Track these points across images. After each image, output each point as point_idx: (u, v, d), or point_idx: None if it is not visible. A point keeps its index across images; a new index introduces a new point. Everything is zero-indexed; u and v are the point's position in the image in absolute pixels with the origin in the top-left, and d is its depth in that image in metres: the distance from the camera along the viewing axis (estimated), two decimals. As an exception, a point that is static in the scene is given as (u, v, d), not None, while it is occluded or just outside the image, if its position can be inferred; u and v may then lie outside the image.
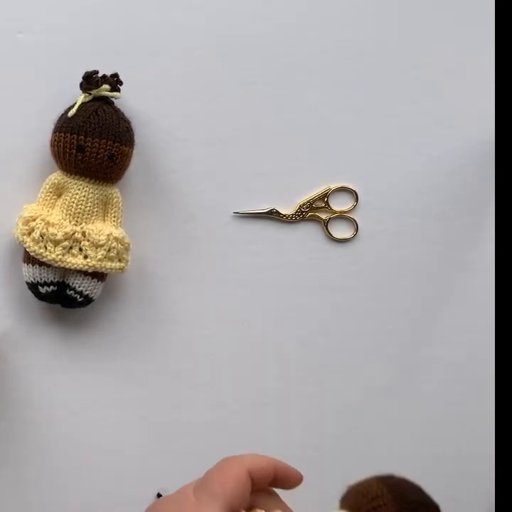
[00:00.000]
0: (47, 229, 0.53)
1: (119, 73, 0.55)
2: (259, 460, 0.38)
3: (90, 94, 0.54)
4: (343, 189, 0.62)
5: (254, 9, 0.59)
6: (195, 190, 0.60)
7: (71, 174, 0.54)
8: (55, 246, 0.54)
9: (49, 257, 0.54)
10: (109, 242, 0.54)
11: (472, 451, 0.65)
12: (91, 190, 0.54)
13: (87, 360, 0.60)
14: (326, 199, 0.61)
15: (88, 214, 0.55)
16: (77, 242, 0.54)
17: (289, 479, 0.40)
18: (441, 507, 0.69)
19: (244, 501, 0.36)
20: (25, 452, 0.59)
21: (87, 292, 0.56)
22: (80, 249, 0.54)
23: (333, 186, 0.61)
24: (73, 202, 0.54)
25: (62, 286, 0.56)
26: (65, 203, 0.55)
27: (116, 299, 0.60)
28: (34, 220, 0.54)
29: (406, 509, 0.38)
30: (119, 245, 0.55)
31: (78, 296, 0.56)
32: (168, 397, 0.61)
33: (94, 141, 0.53)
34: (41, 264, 0.55)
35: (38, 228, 0.53)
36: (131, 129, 0.55)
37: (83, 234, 0.54)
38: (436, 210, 0.63)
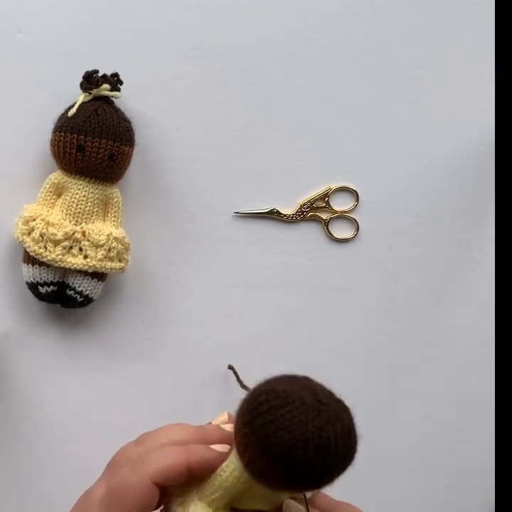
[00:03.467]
0: (47, 229, 0.53)
1: (119, 73, 0.55)
2: (165, 467, 0.37)
3: (90, 93, 0.54)
4: (343, 189, 0.62)
5: (254, 9, 0.59)
6: (195, 190, 0.60)
7: (71, 174, 0.54)
8: (55, 246, 0.54)
9: (49, 257, 0.54)
10: (109, 242, 0.54)
11: (472, 451, 0.66)
12: (91, 190, 0.54)
13: (87, 360, 0.60)
14: (326, 199, 0.61)
15: (88, 214, 0.55)
16: (77, 242, 0.54)
17: (207, 469, 0.38)
18: (442, 507, 0.69)
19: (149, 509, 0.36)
20: (25, 452, 0.59)
21: (87, 292, 0.56)
22: (80, 249, 0.54)
23: (333, 186, 0.61)
24: (73, 202, 0.54)
25: (62, 286, 0.56)
26: (65, 202, 0.55)
27: (116, 299, 0.60)
28: (34, 220, 0.54)
29: (256, 436, 0.34)
30: (119, 245, 0.55)
31: (78, 296, 0.56)
32: (168, 397, 0.61)
33: (95, 140, 0.53)
34: (41, 264, 0.55)
35: (38, 228, 0.53)
36: (131, 129, 0.55)
37: (83, 234, 0.54)
38: (437, 210, 0.63)
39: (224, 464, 0.37)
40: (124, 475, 0.37)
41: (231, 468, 0.37)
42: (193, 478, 0.38)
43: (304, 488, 0.36)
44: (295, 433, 0.32)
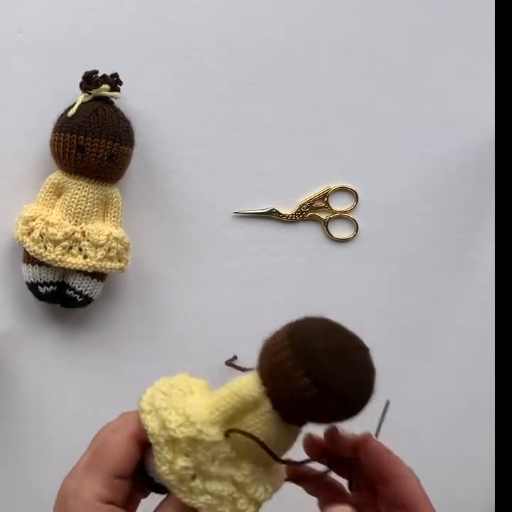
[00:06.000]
0: (47, 229, 0.53)
1: (119, 73, 0.55)
2: (138, 422, 0.38)
3: (90, 93, 0.54)
4: (343, 189, 0.62)
5: (254, 10, 0.59)
6: (194, 190, 0.60)
7: (71, 174, 0.54)
8: (55, 246, 0.54)
9: (49, 257, 0.54)
10: (109, 242, 0.54)
11: (472, 451, 0.65)
12: (91, 190, 0.54)
13: (87, 360, 0.60)
14: (326, 199, 0.61)
15: (88, 214, 0.55)
16: (77, 242, 0.54)
17: None
18: (442, 507, 0.69)
19: (130, 466, 0.37)
20: (25, 451, 0.59)
21: (86, 292, 0.56)
22: (80, 249, 0.54)
23: (333, 186, 0.61)
24: (73, 202, 0.54)
25: (62, 286, 0.56)
26: (64, 202, 0.55)
27: (116, 299, 0.60)
28: (34, 220, 0.54)
29: (304, 359, 0.35)
30: (119, 245, 0.55)
31: (78, 296, 0.56)
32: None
33: (94, 140, 0.53)
34: (41, 264, 0.55)
35: (38, 228, 0.53)
36: (131, 129, 0.55)
37: (83, 234, 0.54)
38: (437, 210, 0.63)
39: (243, 390, 0.37)
40: (106, 434, 0.38)
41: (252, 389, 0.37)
42: None
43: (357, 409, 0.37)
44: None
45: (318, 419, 0.37)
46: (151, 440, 0.37)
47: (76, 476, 0.38)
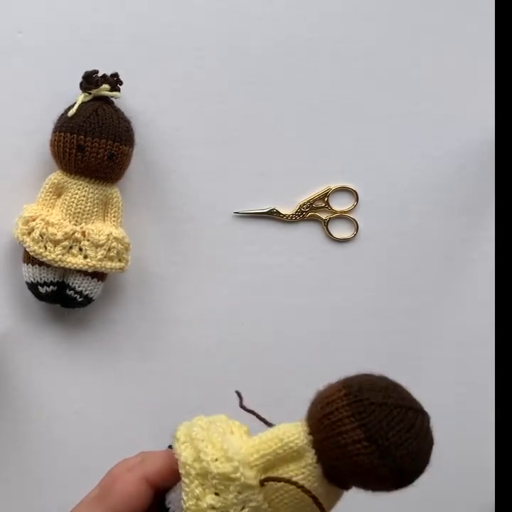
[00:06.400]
0: (47, 229, 0.53)
1: (119, 73, 0.55)
2: (155, 465, 0.36)
3: (90, 93, 0.54)
4: (343, 189, 0.62)
5: (255, 9, 0.59)
6: (194, 190, 0.60)
7: (71, 174, 0.54)
8: (55, 246, 0.54)
9: (49, 257, 0.54)
10: (109, 241, 0.54)
11: (472, 451, 0.65)
12: (91, 190, 0.54)
13: (88, 360, 0.60)
14: (326, 199, 0.61)
15: (88, 214, 0.55)
16: (77, 241, 0.54)
17: None
18: (441, 507, 0.69)
19: (136, 509, 0.36)
20: (25, 452, 0.59)
21: (87, 292, 0.56)
22: (80, 249, 0.54)
23: (333, 186, 0.61)
24: (73, 202, 0.54)
25: (62, 286, 0.56)
26: (64, 202, 0.55)
27: (116, 299, 0.60)
28: (34, 219, 0.54)
29: (361, 412, 0.32)
30: (119, 245, 0.55)
31: (78, 296, 0.56)
32: (168, 397, 0.61)
33: (94, 140, 0.53)
34: (41, 264, 0.55)
35: (38, 228, 0.53)
36: (131, 129, 0.55)
37: (83, 234, 0.54)
38: (436, 210, 0.63)
39: (291, 438, 0.34)
40: (119, 471, 0.37)
41: (296, 439, 0.34)
42: None
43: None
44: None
45: (364, 483, 0.34)
46: (182, 471, 0.34)
47: (79, 508, 0.37)
